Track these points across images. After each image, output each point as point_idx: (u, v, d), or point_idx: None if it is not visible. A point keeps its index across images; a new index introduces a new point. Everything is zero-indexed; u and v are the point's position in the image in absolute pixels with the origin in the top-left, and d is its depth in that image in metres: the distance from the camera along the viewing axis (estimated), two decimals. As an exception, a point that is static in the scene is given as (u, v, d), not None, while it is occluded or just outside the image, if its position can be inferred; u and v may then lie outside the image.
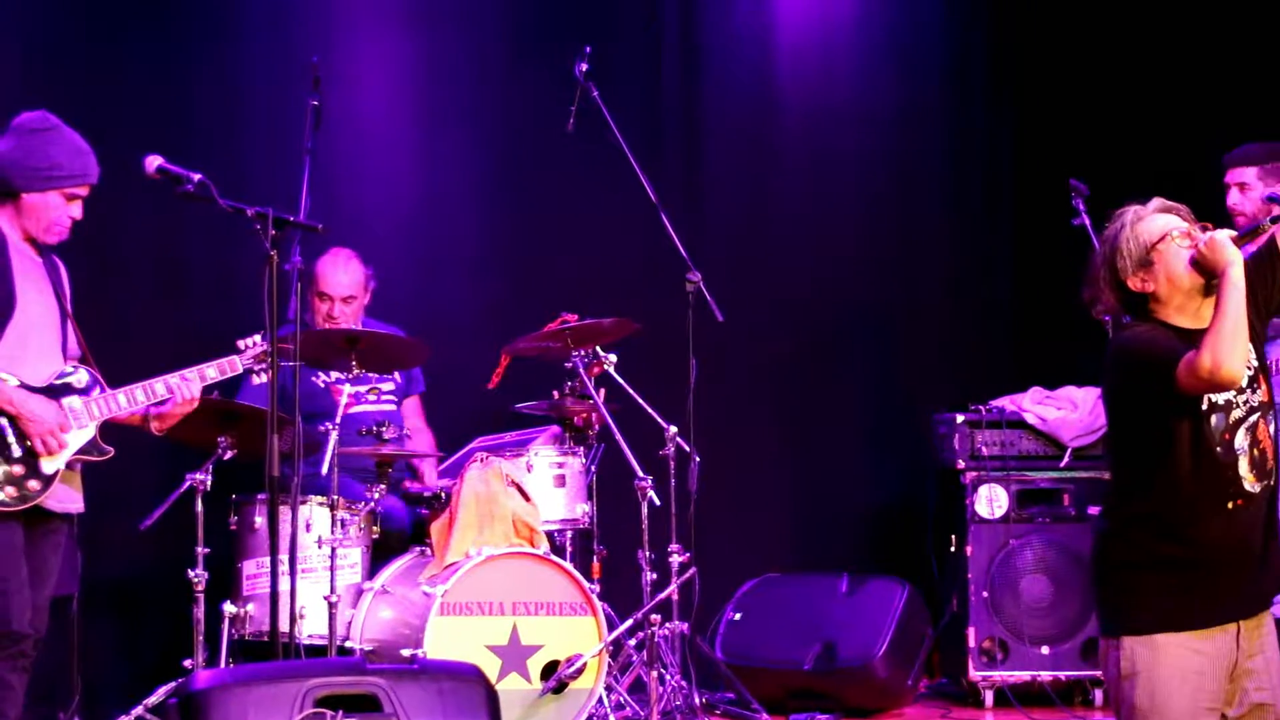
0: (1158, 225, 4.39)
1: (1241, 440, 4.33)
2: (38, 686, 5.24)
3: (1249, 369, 4.31)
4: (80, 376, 5.22)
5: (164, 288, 7.08)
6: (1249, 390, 4.35)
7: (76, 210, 5.23)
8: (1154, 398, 4.27)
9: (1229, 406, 4.31)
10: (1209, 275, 4.29)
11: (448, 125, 7.72)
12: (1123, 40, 8.26)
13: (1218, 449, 4.30)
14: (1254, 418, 4.34)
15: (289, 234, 5.29)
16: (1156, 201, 4.48)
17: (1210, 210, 4.79)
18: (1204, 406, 4.26)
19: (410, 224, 7.61)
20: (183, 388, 5.29)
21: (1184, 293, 4.35)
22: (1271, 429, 4.39)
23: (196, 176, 5.08)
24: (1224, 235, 4.30)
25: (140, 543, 6.26)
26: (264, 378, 5.54)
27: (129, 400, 5.25)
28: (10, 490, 5.04)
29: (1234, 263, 4.24)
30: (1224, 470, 4.29)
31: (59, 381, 5.18)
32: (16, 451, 5.06)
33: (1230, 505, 4.31)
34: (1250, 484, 4.33)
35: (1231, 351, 4.17)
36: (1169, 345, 4.26)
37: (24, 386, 5.10)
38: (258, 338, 5.49)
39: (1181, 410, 4.26)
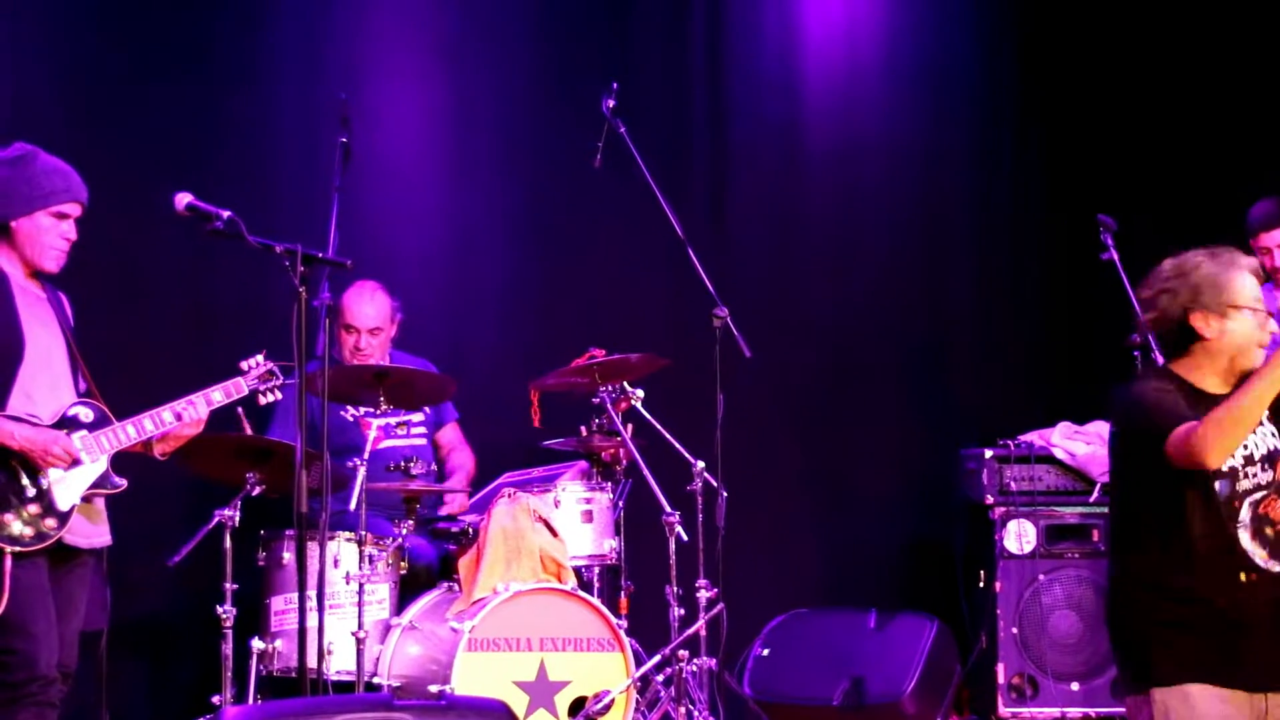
0: (1250, 289, 4.39)
1: (1245, 514, 4.32)
2: (67, 723, 5.24)
3: (1271, 449, 4.35)
4: (87, 411, 5.20)
5: (193, 324, 7.07)
6: (1260, 466, 4.36)
7: (70, 230, 5.20)
8: (1148, 453, 4.29)
9: (1233, 474, 4.33)
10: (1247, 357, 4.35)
11: (475, 161, 7.74)
12: (1153, 74, 8.28)
13: (1224, 515, 4.30)
14: (1262, 495, 4.34)
15: (318, 270, 5.30)
16: (1251, 261, 4.47)
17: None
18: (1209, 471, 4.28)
19: (438, 260, 7.62)
20: (189, 411, 5.27)
21: (1224, 363, 4.38)
22: None
23: (226, 214, 5.08)
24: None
25: (169, 579, 6.27)
26: (270, 397, 5.53)
27: (138, 431, 5.23)
28: (28, 530, 5.02)
29: (1277, 368, 4.21)
30: (1231, 537, 4.29)
31: (68, 416, 5.16)
32: (31, 491, 5.04)
33: (1243, 578, 4.30)
34: (1263, 560, 4.31)
35: (1230, 440, 4.22)
36: (1175, 410, 4.28)
37: (33, 424, 5.08)
38: (259, 358, 5.48)
39: (1190, 472, 4.27)
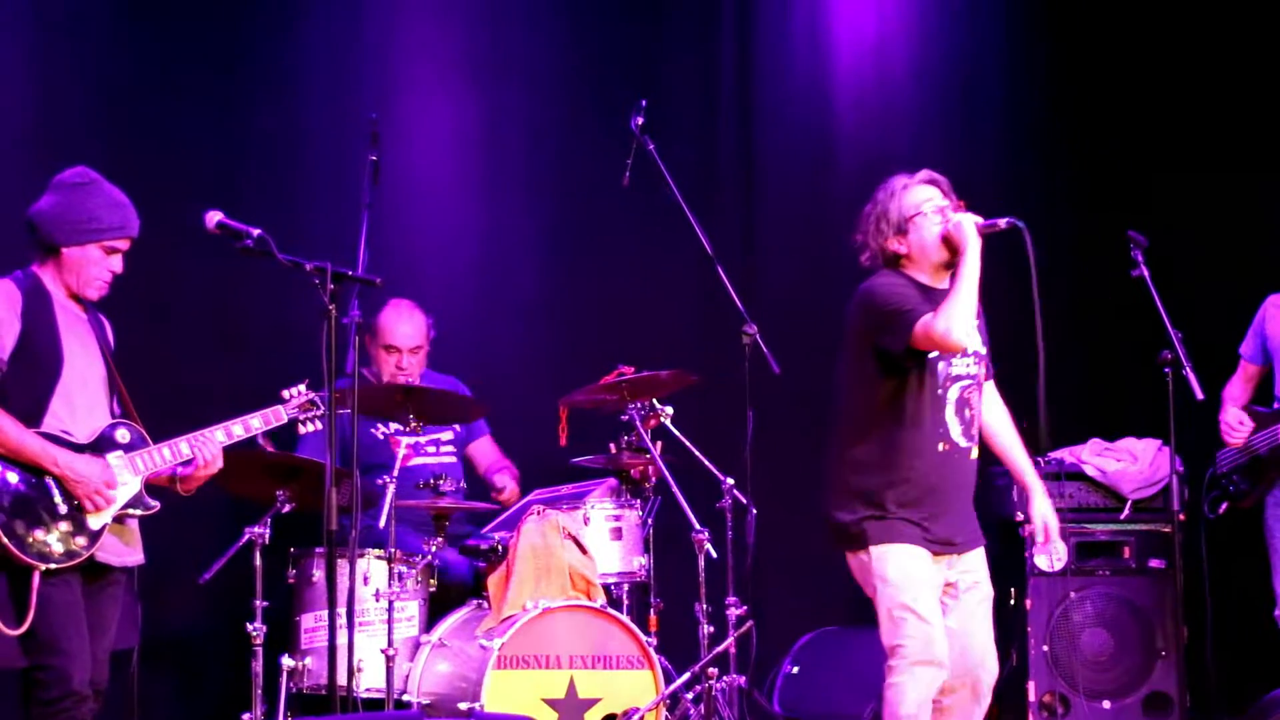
0: (917, 198, 5.28)
1: (954, 394, 5.21)
2: (98, 740, 5.23)
3: (978, 355, 5.25)
4: (125, 432, 5.19)
5: (223, 341, 7.11)
6: (974, 360, 5.26)
7: (117, 264, 5.21)
8: (894, 346, 5.09)
9: (951, 360, 5.19)
10: (953, 250, 5.17)
11: (505, 179, 7.76)
12: (1185, 88, 8.25)
13: (938, 390, 5.18)
14: (968, 382, 5.24)
15: (347, 288, 5.30)
16: (923, 173, 5.35)
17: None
18: (933, 354, 5.14)
19: (468, 277, 7.63)
20: (204, 448, 5.24)
21: (930, 260, 5.24)
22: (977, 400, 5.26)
23: (256, 232, 5.09)
24: (970, 219, 5.15)
25: (199, 596, 6.31)
26: (310, 427, 5.53)
27: (173, 454, 5.22)
28: (58, 547, 5.01)
29: (973, 244, 5.12)
30: (939, 413, 5.17)
31: (105, 435, 5.16)
32: (63, 509, 5.03)
33: (940, 447, 5.19)
34: (957, 435, 5.21)
35: (962, 321, 5.04)
36: (911, 300, 5.12)
37: (71, 445, 5.08)
38: (302, 387, 5.48)
39: (915, 356, 5.11)
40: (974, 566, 5.30)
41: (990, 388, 5.47)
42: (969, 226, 5.15)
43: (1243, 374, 6.87)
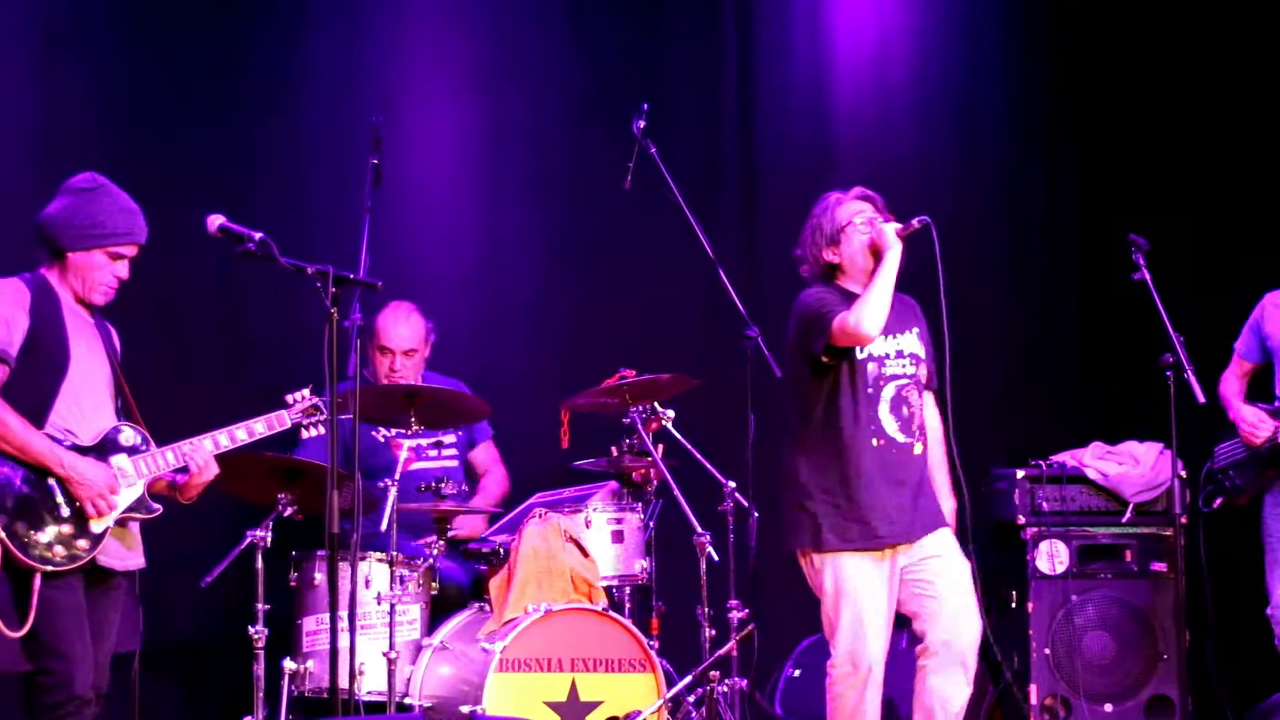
0: (849, 211, 5.64)
1: (889, 393, 5.54)
2: (100, 745, 5.23)
3: (918, 358, 5.60)
4: (129, 435, 5.20)
5: (226, 344, 7.14)
6: (910, 361, 5.59)
7: (123, 270, 5.21)
8: (816, 346, 5.46)
9: (883, 360, 5.54)
10: (879, 257, 5.50)
11: (506, 183, 7.77)
12: (1185, 93, 8.26)
13: (869, 389, 5.50)
14: (906, 382, 5.57)
15: (349, 291, 5.30)
16: (856, 189, 5.70)
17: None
18: (861, 355, 5.50)
19: (470, 280, 7.64)
20: (194, 457, 5.24)
21: (860, 267, 5.59)
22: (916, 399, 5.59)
23: (258, 235, 5.08)
24: (890, 226, 5.50)
25: (201, 599, 6.30)
26: (313, 432, 5.53)
27: (177, 457, 5.23)
28: (60, 550, 5.01)
29: (893, 248, 5.47)
30: (871, 410, 5.50)
31: (109, 438, 5.16)
32: (65, 511, 5.04)
33: (874, 443, 5.50)
34: (893, 431, 5.53)
35: (873, 314, 5.40)
36: (831, 304, 5.48)
37: (75, 446, 5.08)
38: (306, 392, 5.49)
39: (839, 355, 5.47)
40: (934, 549, 5.57)
41: (929, 399, 5.76)
42: (889, 231, 5.50)
43: (1238, 370, 6.86)
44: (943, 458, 5.74)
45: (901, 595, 5.58)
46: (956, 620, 5.53)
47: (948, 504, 5.72)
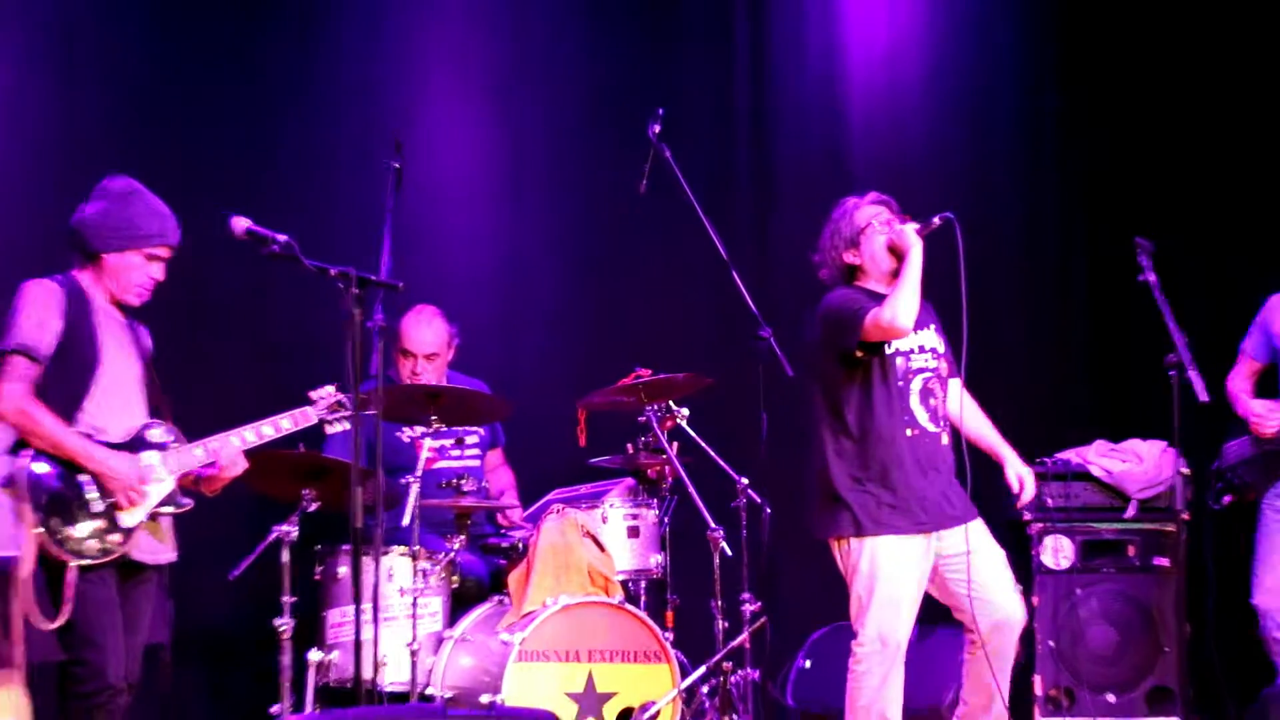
0: (867, 214, 5.76)
1: (917, 385, 5.66)
2: (131, 733, 5.26)
3: (938, 352, 5.70)
4: (160, 432, 5.24)
5: (253, 344, 7.13)
6: (932, 355, 5.70)
7: (157, 271, 5.25)
8: (849, 342, 5.55)
9: (909, 354, 5.66)
10: (899, 256, 5.61)
11: (525, 186, 7.78)
12: (1193, 94, 8.25)
13: (899, 382, 5.62)
14: (931, 375, 5.69)
15: (371, 292, 5.31)
16: (872, 194, 5.82)
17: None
18: (889, 350, 5.61)
19: (490, 282, 7.65)
20: (222, 452, 5.27)
21: (880, 268, 5.71)
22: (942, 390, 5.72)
23: (282, 238, 5.10)
24: (910, 226, 5.60)
25: (229, 592, 6.31)
26: (338, 427, 5.56)
27: (205, 453, 5.26)
28: (93, 544, 5.06)
29: (914, 246, 5.57)
30: (904, 402, 5.61)
31: (140, 435, 5.19)
32: (98, 506, 5.08)
33: (908, 433, 5.62)
34: (924, 421, 5.65)
35: (906, 308, 5.49)
36: (860, 302, 5.59)
37: (106, 444, 5.12)
38: (330, 388, 5.52)
39: (871, 350, 5.58)
40: (972, 543, 5.68)
41: (956, 385, 5.86)
42: (909, 232, 5.62)
43: (1246, 370, 6.85)
44: (984, 422, 5.97)
45: (939, 587, 5.74)
46: (1005, 605, 5.69)
47: (1008, 451, 5.92)
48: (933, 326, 5.80)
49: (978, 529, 5.74)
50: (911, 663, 6.87)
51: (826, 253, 5.84)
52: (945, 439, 5.74)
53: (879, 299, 5.61)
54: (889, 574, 5.59)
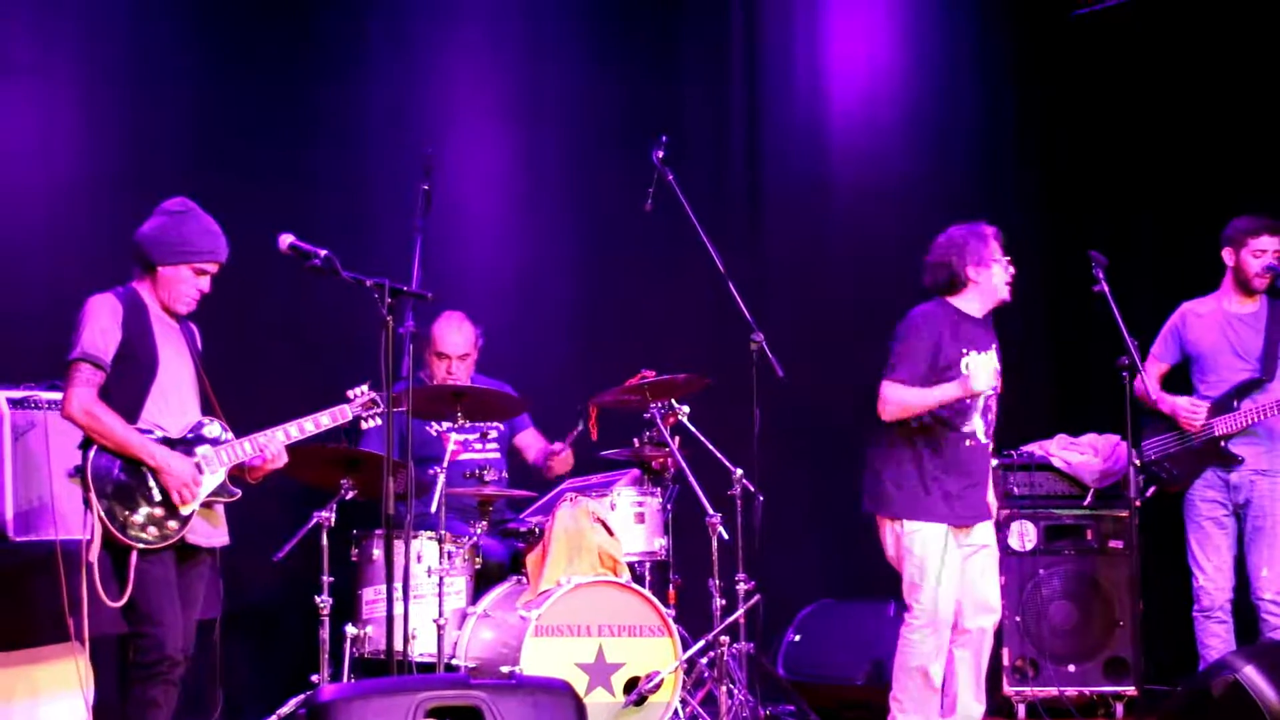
0: (999, 250, 5.85)
1: (981, 402, 5.82)
2: (186, 699, 5.27)
3: (994, 366, 5.76)
4: (213, 428, 5.26)
5: (296, 348, 7.12)
6: (996, 375, 5.74)
7: (205, 284, 5.26)
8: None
9: None
10: (994, 309, 5.87)
11: (542, 206, 7.79)
12: (1138, 123, 8.27)
13: (968, 399, 5.76)
14: (991, 393, 5.79)
15: (403, 301, 5.34)
16: (994, 230, 5.89)
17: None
18: (965, 371, 5.70)
19: (509, 292, 7.65)
20: (269, 446, 5.27)
21: (986, 297, 5.87)
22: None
23: (323, 252, 5.13)
24: (990, 363, 5.75)
25: (274, 573, 6.34)
26: (372, 423, 5.59)
27: (254, 446, 5.27)
28: (153, 530, 5.09)
29: (960, 393, 5.70)
30: (968, 417, 5.80)
31: (195, 434, 5.25)
32: (157, 497, 5.10)
33: (967, 444, 5.83)
34: (981, 433, 5.86)
35: (898, 411, 5.77)
36: (914, 346, 5.77)
37: (165, 439, 5.17)
38: (365, 387, 5.52)
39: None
40: (986, 533, 5.97)
41: None
42: (980, 381, 5.71)
43: (1156, 372, 6.76)
44: None
45: None
46: (989, 601, 5.95)
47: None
48: (993, 347, 5.94)
49: (988, 529, 6.00)
50: (889, 637, 6.95)
51: (949, 257, 5.89)
52: (991, 447, 5.98)
53: (962, 319, 5.85)
54: (939, 558, 5.82)
